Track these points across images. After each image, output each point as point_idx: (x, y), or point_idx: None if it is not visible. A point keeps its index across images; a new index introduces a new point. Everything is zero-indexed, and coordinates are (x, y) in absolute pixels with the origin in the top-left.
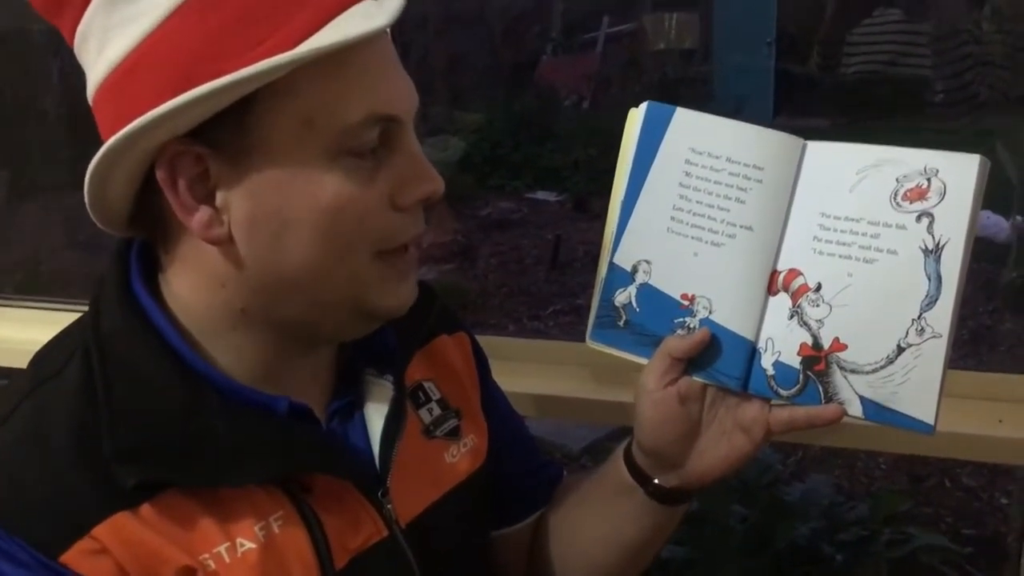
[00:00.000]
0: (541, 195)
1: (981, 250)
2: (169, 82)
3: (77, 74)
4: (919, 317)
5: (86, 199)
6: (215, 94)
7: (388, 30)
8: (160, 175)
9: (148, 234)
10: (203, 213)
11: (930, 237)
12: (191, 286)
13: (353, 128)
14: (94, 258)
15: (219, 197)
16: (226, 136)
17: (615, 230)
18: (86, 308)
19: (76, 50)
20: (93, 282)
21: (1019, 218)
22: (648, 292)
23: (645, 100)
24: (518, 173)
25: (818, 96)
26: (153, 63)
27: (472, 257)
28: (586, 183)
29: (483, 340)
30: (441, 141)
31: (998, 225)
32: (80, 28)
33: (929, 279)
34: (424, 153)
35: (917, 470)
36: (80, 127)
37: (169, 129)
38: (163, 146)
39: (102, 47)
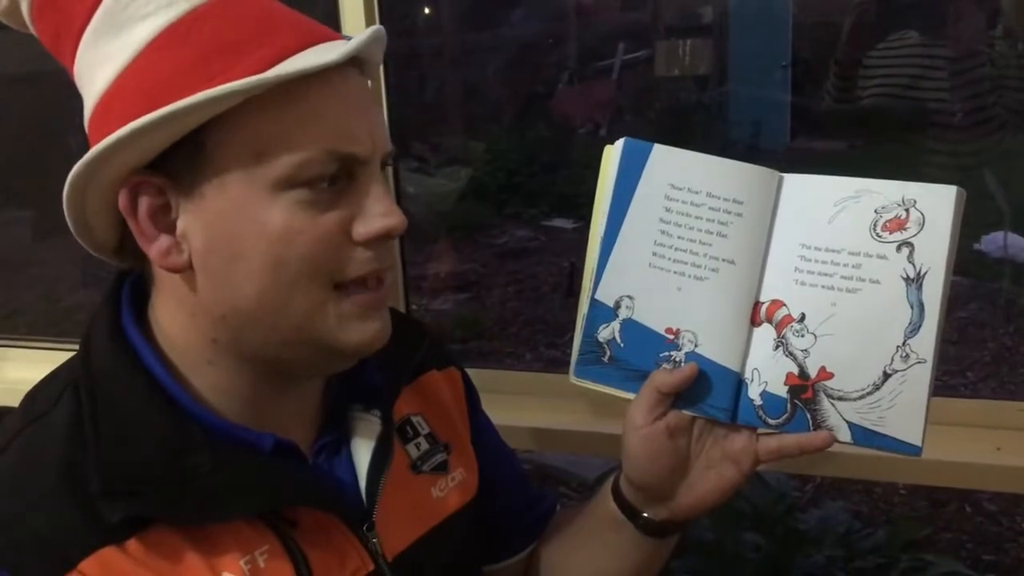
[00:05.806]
0: (557, 222)
1: (1003, 271)
2: (133, 113)
3: None
4: (904, 344)
5: (68, 222)
6: (163, 121)
7: (362, 71)
8: (120, 203)
9: (136, 263)
10: (162, 241)
11: (911, 266)
12: (170, 317)
13: (304, 162)
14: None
15: (179, 226)
16: (182, 167)
17: (595, 267)
18: None
19: (77, 85)
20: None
21: None
22: (632, 327)
23: (657, 125)
24: (534, 201)
25: (834, 119)
26: (124, 95)
27: (489, 285)
28: None
29: (482, 374)
30: (454, 172)
31: (1018, 245)
32: (76, 64)
33: (912, 307)
34: (440, 183)
35: (937, 495)
36: None
37: (128, 158)
38: (126, 176)
39: (92, 81)
